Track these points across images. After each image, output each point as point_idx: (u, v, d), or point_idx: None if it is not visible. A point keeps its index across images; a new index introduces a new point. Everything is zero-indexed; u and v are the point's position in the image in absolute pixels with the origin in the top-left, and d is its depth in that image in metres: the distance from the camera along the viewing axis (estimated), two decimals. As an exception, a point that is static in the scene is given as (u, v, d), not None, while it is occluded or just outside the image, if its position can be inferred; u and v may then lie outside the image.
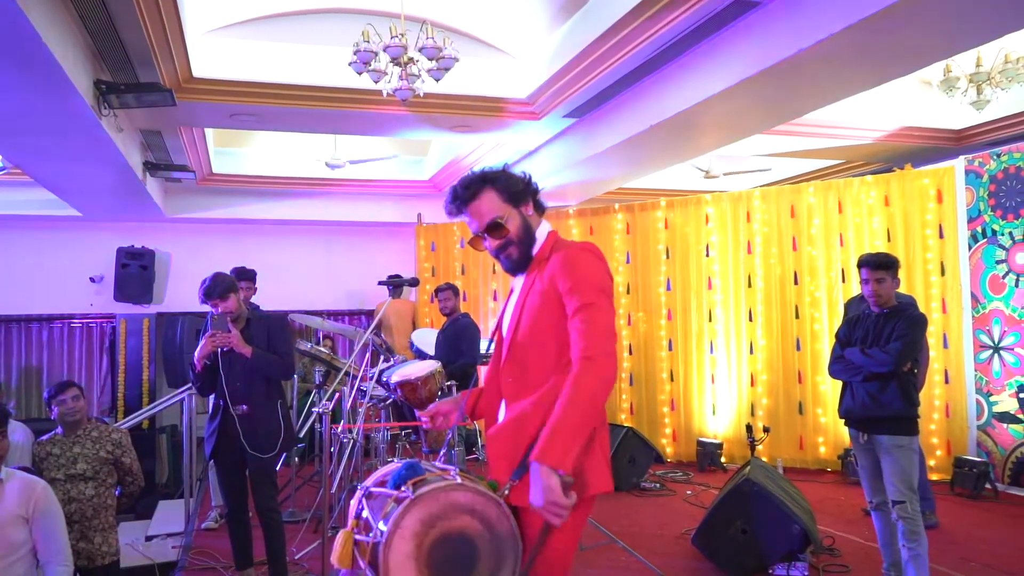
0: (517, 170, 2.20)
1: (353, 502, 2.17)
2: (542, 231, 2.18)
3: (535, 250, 2.15)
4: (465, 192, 2.13)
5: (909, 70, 4.92)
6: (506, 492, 1.97)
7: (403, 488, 1.94)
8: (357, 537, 2.04)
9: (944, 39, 4.32)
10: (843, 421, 3.97)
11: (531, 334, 2.09)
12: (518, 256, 2.13)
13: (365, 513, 2.08)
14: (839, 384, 4.04)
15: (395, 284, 3.34)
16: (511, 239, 2.12)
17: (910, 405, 3.70)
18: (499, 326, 2.26)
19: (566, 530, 1.99)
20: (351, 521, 2.12)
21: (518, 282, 2.21)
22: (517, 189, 2.15)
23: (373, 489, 2.11)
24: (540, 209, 2.22)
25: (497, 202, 2.11)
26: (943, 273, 6.55)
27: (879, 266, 3.80)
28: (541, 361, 2.07)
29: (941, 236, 6.58)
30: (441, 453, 2.51)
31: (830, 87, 5.14)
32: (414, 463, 2.09)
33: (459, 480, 1.96)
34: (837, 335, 4.09)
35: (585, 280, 2.01)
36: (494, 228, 2.11)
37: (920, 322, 3.83)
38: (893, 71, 4.88)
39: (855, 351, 3.85)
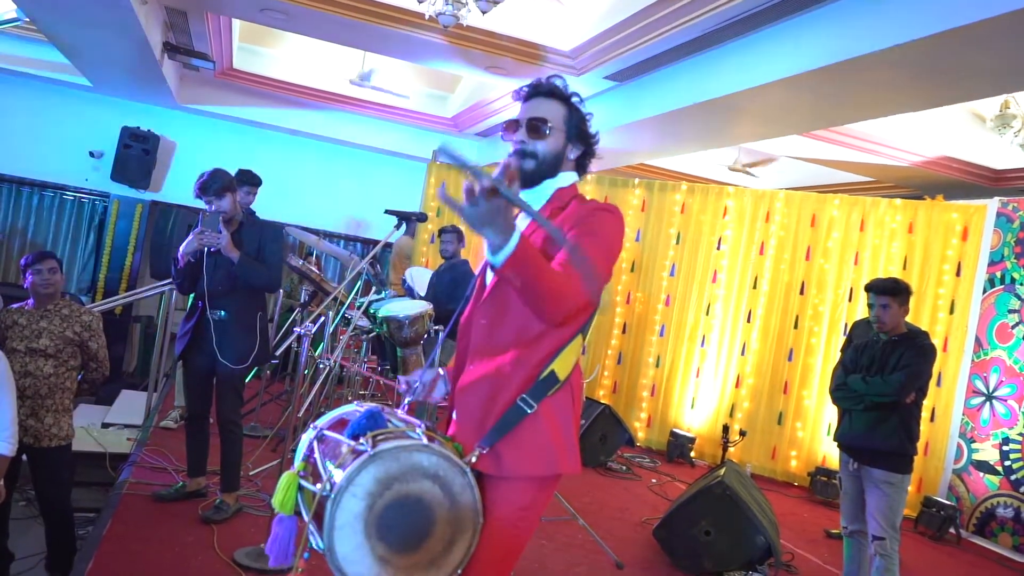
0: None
1: (303, 441, 1.98)
2: (567, 177, 2.04)
3: (552, 188, 2.01)
4: (544, 88, 2.04)
5: (974, 96, 4.72)
6: (473, 459, 1.81)
7: (361, 440, 1.75)
8: (303, 483, 1.85)
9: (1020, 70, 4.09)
10: (836, 444, 3.85)
11: None
12: (531, 170, 1.98)
13: (316, 456, 1.89)
14: (828, 402, 3.91)
15: (403, 217, 3.15)
16: (536, 152, 1.98)
17: (908, 441, 3.58)
18: (484, 270, 2.06)
19: (529, 509, 1.87)
20: (298, 463, 1.93)
21: (518, 226, 2.02)
22: (579, 128, 2.05)
23: (327, 432, 1.92)
24: (580, 165, 2.10)
25: (558, 117, 2.01)
26: (952, 312, 6.41)
27: (884, 291, 3.69)
28: (524, 309, 1.87)
29: (958, 274, 6.42)
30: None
31: (889, 99, 4.89)
32: (376, 412, 1.89)
33: (425, 440, 1.77)
34: (842, 361, 3.95)
35: (603, 236, 1.90)
36: (534, 128, 1.99)
37: (929, 352, 3.71)
38: (957, 94, 4.64)
39: (857, 378, 3.73)
